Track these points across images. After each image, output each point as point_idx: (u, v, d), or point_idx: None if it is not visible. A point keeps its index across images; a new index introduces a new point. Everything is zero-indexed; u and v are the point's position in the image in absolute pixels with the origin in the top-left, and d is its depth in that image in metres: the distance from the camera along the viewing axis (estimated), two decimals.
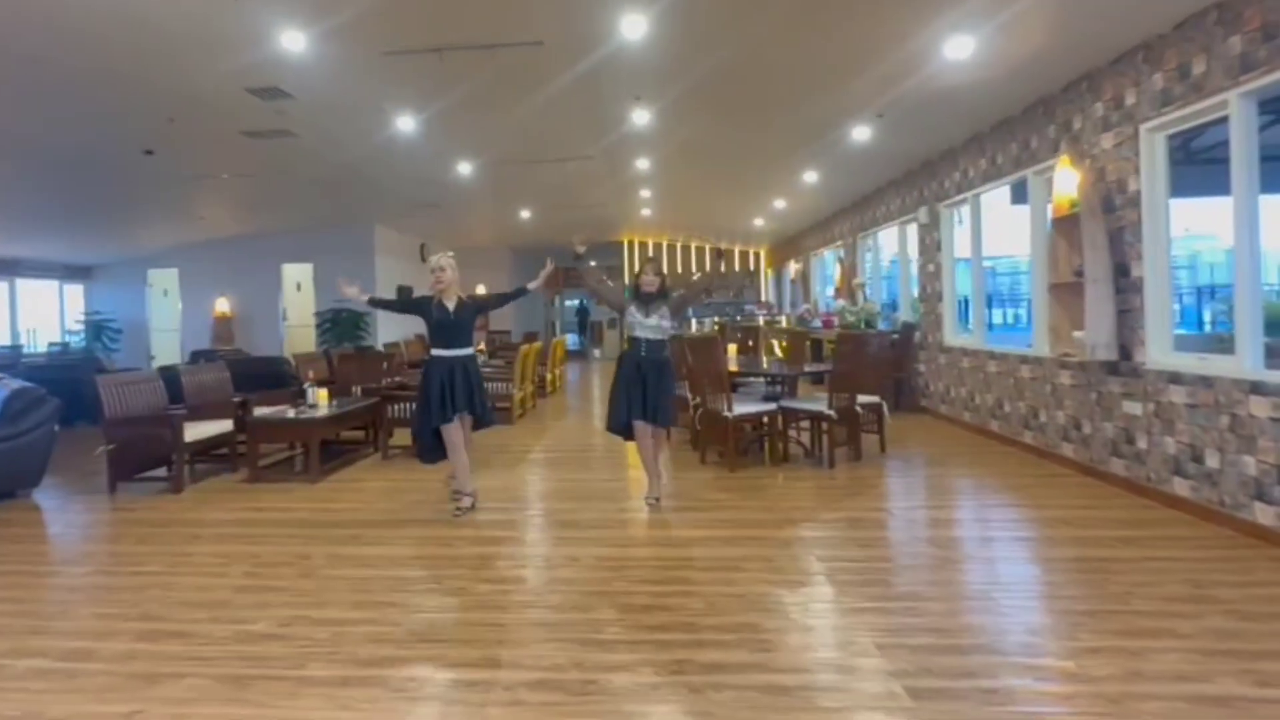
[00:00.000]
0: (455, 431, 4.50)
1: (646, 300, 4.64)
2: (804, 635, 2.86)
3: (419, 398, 4.64)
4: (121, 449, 5.42)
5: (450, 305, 4.59)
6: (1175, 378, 4.30)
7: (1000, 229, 8.17)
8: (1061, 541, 3.88)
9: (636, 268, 18.25)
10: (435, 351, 4.60)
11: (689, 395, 6.42)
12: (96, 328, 13.38)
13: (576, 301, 22.60)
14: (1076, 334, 4.99)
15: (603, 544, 4.01)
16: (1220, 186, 4.03)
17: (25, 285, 13.12)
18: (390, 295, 9.64)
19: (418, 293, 4.48)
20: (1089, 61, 4.95)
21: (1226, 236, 4.39)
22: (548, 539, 4.20)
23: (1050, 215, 5.34)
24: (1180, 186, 4.62)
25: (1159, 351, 4.48)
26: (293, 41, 4.75)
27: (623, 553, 3.88)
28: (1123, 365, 4.74)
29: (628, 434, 4.66)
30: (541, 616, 3.07)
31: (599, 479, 5.78)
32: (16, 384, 5.64)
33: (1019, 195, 6.81)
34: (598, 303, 5.03)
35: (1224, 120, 3.98)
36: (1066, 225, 5.07)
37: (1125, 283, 4.68)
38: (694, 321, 16.91)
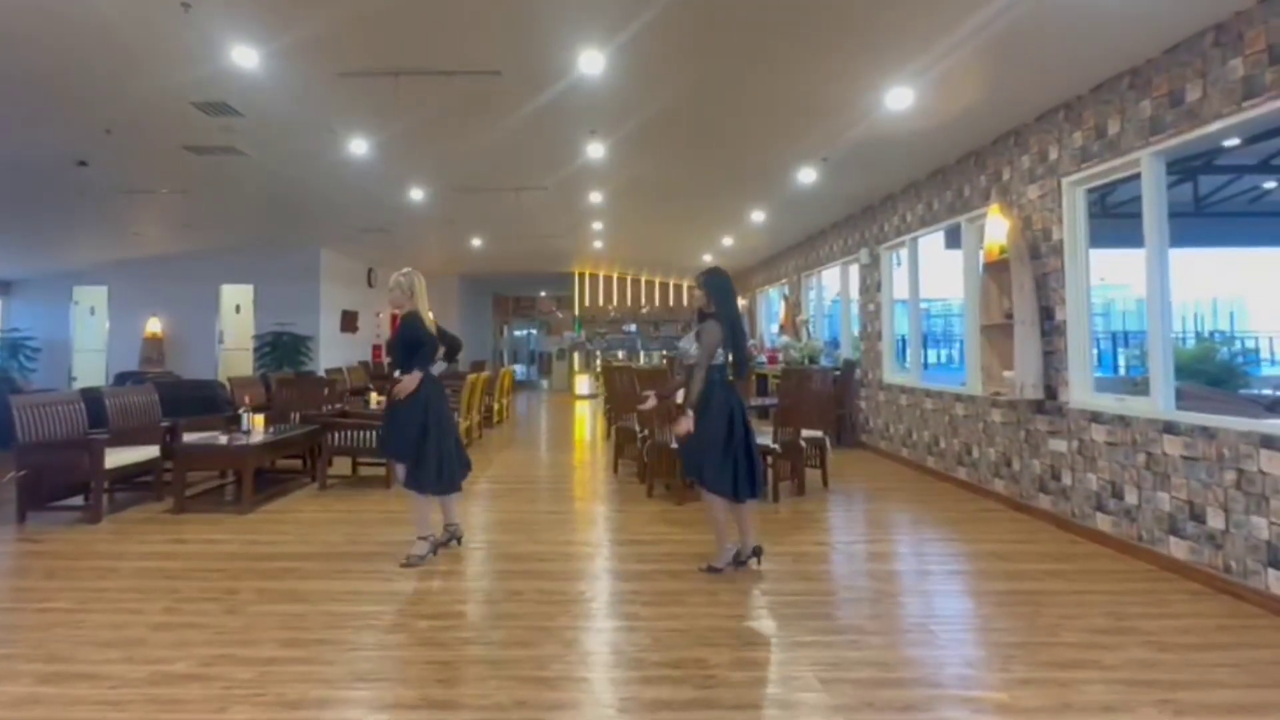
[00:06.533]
0: None
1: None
2: (748, 670, 2.87)
3: (421, 419, 4.15)
4: (34, 475, 5.09)
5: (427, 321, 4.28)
6: (1096, 417, 4.55)
7: (935, 272, 8.53)
8: (994, 575, 4.01)
9: (587, 300, 18.68)
10: (430, 370, 4.26)
11: (636, 427, 6.43)
12: (12, 345, 12.61)
13: (524, 333, 22.49)
14: (1007, 373, 5.23)
15: (546, 578, 3.95)
16: (1133, 239, 4.31)
17: None
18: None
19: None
20: (1016, 118, 5.29)
21: (1138, 286, 4.69)
22: (490, 572, 4.11)
23: (982, 260, 5.63)
24: (1096, 238, 4.92)
25: (1081, 392, 4.73)
26: (244, 57, 4.66)
27: (567, 587, 3.83)
28: (1048, 404, 4.99)
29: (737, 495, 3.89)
30: (484, 653, 2.99)
31: (543, 511, 5.71)
32: None
33: (952, 240, 7.17)
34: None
35: (1136, 177, 4.30)
36: (997, 270, 5.35)
37: (1050, 326, 4.95)
38: (641, 354, 17.01)
